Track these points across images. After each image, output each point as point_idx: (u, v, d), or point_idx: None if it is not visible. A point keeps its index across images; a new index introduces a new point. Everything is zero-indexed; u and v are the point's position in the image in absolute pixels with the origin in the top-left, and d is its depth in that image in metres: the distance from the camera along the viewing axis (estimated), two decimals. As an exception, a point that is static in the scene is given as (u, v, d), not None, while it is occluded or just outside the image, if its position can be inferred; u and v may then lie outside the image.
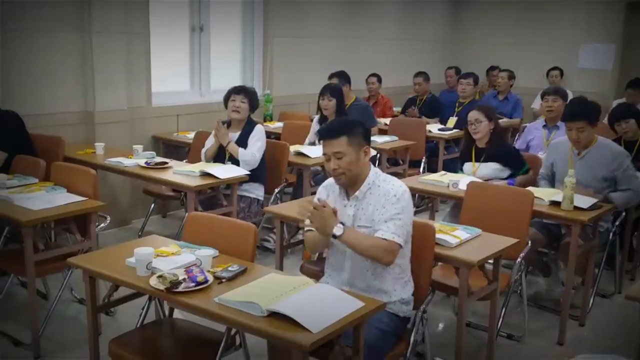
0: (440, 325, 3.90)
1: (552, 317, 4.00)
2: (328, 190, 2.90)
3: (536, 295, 4.34)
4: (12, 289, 4.02)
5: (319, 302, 2.32)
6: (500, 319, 3.58)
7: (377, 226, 2.67)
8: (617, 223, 4.14)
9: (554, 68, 8.36)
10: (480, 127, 4.29)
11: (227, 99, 4.74)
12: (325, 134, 2.77)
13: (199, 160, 4.82)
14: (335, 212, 2.65)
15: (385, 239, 2.63)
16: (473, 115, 4.32)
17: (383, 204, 2.69)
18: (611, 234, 4.13)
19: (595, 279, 4.20)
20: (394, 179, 2.81)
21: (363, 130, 2.78)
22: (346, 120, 2.88)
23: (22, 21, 4.83)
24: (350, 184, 2.77)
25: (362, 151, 2.74)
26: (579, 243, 3.64)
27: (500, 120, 5.09)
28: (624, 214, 4.17)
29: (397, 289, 2.77)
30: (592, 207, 3.68)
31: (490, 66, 8.65)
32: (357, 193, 2.77)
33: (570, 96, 7.06)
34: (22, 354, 3.44)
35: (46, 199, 3.51)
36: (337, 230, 2.61)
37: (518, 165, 4.32)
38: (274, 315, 2.21)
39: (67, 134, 4.89)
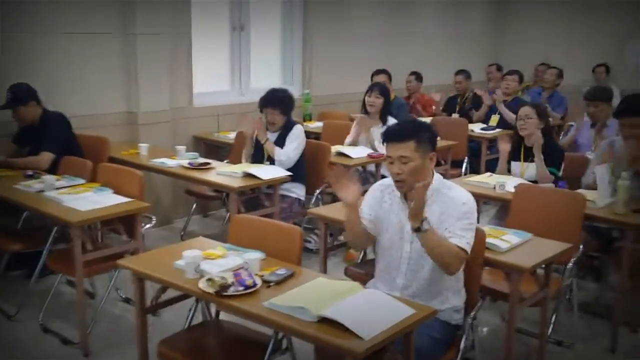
0: (486, 330, 3.81)
1: (603, 324, 3.88)
2: (384, 191, 2.83)
3: (586, 300, 4.21)
4: (60, 287, 4.08)
5: (369, 309, 2.28)
6: (551, 326, 3.49)
7: (446, 234, 2.60)
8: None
9: (600, 65, 8.16)
10: (529, 124, 4.19)
11: (260, 109, 4.74)
12: (393, 136, 2.68)
13: (240, 160, 4.83)
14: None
15: (459, 247, 2.57)
16: (524, 110, 4.23)
17: (452, 213, 2.63)
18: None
19: (648, 284, 4.06)
20: (458, 186, 2.75)
21: (431, 136, 2.70)
22: (415, 124, 2.77)
23: (68, 24, 4.90)
24: (411, 190, 2.67)
25: (428, 158, 2.67)
26: (633, 247, 3.52)
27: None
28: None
29: (451, 296, 2.73)
30: (647, 210, 3.56)
31: (541, 62, 8.46)
32: None
33: (616, 94, 6.90)
34: (71, 352, 3.49)
35: (94, 200, 3.56)
36: (425, 224, 2.51)
37: (554, 165, 4.18)
38: (324, 320, 2.19)
39: (111, 135, 4.94)
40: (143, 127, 5.34)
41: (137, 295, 2.78)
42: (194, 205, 5.47)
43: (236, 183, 4.14)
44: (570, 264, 3.40)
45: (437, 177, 2.75)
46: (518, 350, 3.37)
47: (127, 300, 4.04)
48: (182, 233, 5.31)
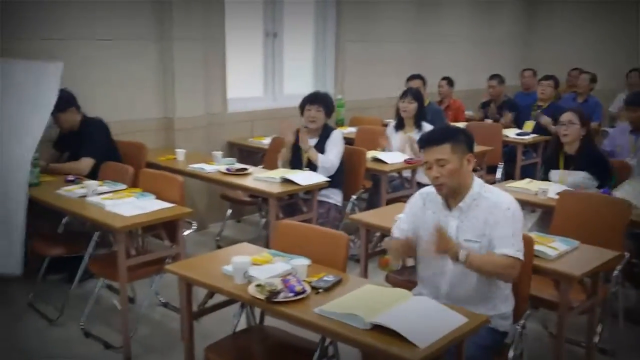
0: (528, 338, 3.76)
1: (646, 332, 3.83)
2: (425, 199, 2.84)
3: (628, 308, 4.14)
4: (100, 292, 4.11)
5: (422, 316, 2.27)
6: (597, 334, 3.43)
7: (496, 242, 2.60)
8: None
9: (634, 69, 8.03)
10: (571, 130, 4.12)
11: (302, 107, 4.74)
12: (428, 141, 2.71)
13: (275, 165, 4.84)
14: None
15: (508, 256, 2.57)
16: (567, 116, 4.16)
17: (496, 219, 2.61)
18: None
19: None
20: (499, 190, 2.75)
21: (466, 138, 2.72)
22: (450, 127, 2.84)
23: (107, 30, 4.97)
24: (452, 195, 2.70)
25: (466, 159, 2.68)
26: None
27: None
28: None
29: (499, 303, 2.70)
30: (694, 217, 3.49)
31: (574, 67, 8.36)
32: (460, 204, 2.69)
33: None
34: (113, 357, 3.52)
35: (137, 205, 3.59)
36: (462, 255, 2.56)
37: (605, 176, 4.12)
38: (375, 327, 2.18)
39: (147, 140, 5.01)
40: (179, 132, 5.40)
41: (184, 301, 2.80)
42: (230, 211, 5.49)
43: (275, 189, 4.15)
44: (616, 272, 3.35)
45: (478, 181, 2.74)
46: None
47: (165, 305, 4.07)
48: (217, 238, 5.33)
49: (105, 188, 3.90)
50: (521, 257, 2.60)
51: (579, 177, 4.11)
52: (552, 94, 6.68)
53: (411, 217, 2.87)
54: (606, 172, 4.11)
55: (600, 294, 3.22)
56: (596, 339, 3.35)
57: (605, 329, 3.57)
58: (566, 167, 4.20)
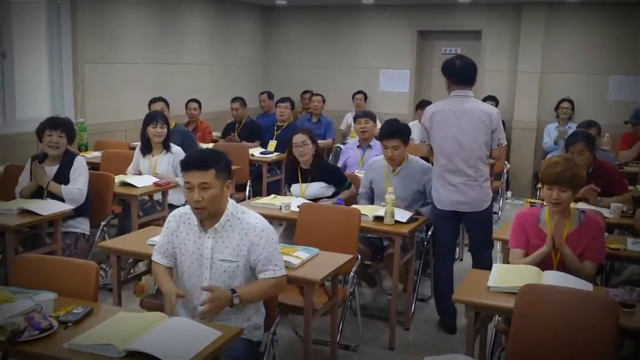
0: (280, 343, 4.00)
1: (381, 325, 4.32)
2: (178, 221, 2.88)
3: (365, 305, 4.64)
4: None
5: (176, 336, 2.32)
6: (339, 332, 3.79)
7: (259, 267, 2.78)
8: (429, 233, 4.59)
9: (358, 92, 8.92)
10: (307, 150, 4.53)
11: (41, 132, 4.47)
12: (194, 164, 2.73)
13: (10, 197, 4.47)
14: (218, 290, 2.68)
15: (275, 278, 2.79)
16: (300, 138, 4.54)
17: (257, 242, 2.76)
18: (425, 243, 4.58)
19: (415, 285, 4.60)
20: (251, 211, 2.89)
21: (227, 165, 2.82)
22: (215, 153, 2.85)
23: None
24: (208, 217, 2.78)
25: (225, 186, 2.77)
26: (400, 253, 3.98)
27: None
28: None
29: (253, 315, 2.85)
30: (410, 220, 4.05)
31: (305, 90, 9.02)
32: (216, 226, 2.78)
33: (377, 117, 7.71)
34: None
35: None
36: (235, 300, 2.68)
37: (340, 182, 4.64)
38: (133, 354, 2.18)
39: None
40: None
41: None
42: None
43: (12, 221, 3.85)
44: (352, 274, 3.74)
45: (231, 202, 2.87)
46: (312, 358, 3.61)
47: None
48: (-57, 282, 4.72)
49: None
50: (284, 272, 2.83)
51: (316, 188, 4.56)
52: (290, 115, 7.19)
53: (169, 240, 2.90)
54: (340, 178, 4.64)
55: (339, 295, 3.58)
56: (338, 336, 3.71)
57: (346, 327, 3.96)
58: (304, 181, 4.60)
